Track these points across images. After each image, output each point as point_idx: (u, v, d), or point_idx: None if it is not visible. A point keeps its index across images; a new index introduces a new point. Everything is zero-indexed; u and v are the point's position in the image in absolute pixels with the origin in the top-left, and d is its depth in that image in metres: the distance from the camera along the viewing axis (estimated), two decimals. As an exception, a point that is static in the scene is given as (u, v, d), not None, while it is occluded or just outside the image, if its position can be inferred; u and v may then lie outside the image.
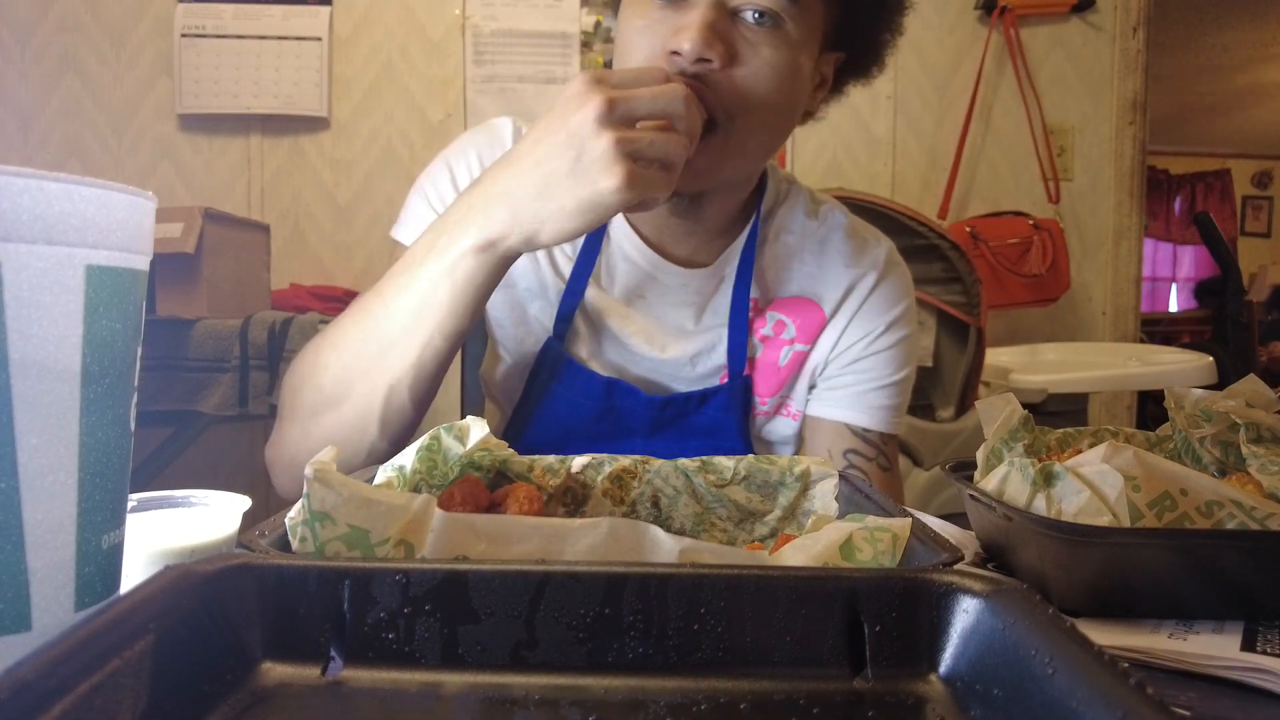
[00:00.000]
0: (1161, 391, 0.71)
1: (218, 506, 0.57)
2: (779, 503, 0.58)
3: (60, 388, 0.35)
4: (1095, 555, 0.48)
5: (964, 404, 1.92)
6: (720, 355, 0.88)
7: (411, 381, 0.71)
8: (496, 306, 0.90)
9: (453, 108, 2.26)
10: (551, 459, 0.58)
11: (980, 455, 0.61)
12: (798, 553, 0.40)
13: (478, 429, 0.55)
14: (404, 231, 0.89)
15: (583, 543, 0.38)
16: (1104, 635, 0.46)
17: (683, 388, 0.88)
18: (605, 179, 0.62)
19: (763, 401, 0.90)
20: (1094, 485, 0.49)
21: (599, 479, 0.58)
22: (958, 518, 0.68)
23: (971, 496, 0.57)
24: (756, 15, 0.72)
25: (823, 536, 0.40)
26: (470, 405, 1.09)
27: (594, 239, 0.87)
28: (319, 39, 2.20)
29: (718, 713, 0.31)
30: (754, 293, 0.88)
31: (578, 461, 0.58)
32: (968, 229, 2.21)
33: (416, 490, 0.52)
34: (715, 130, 0.73)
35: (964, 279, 1.92)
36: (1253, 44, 4.57)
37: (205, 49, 2.17)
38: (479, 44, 2.25)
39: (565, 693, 0.32)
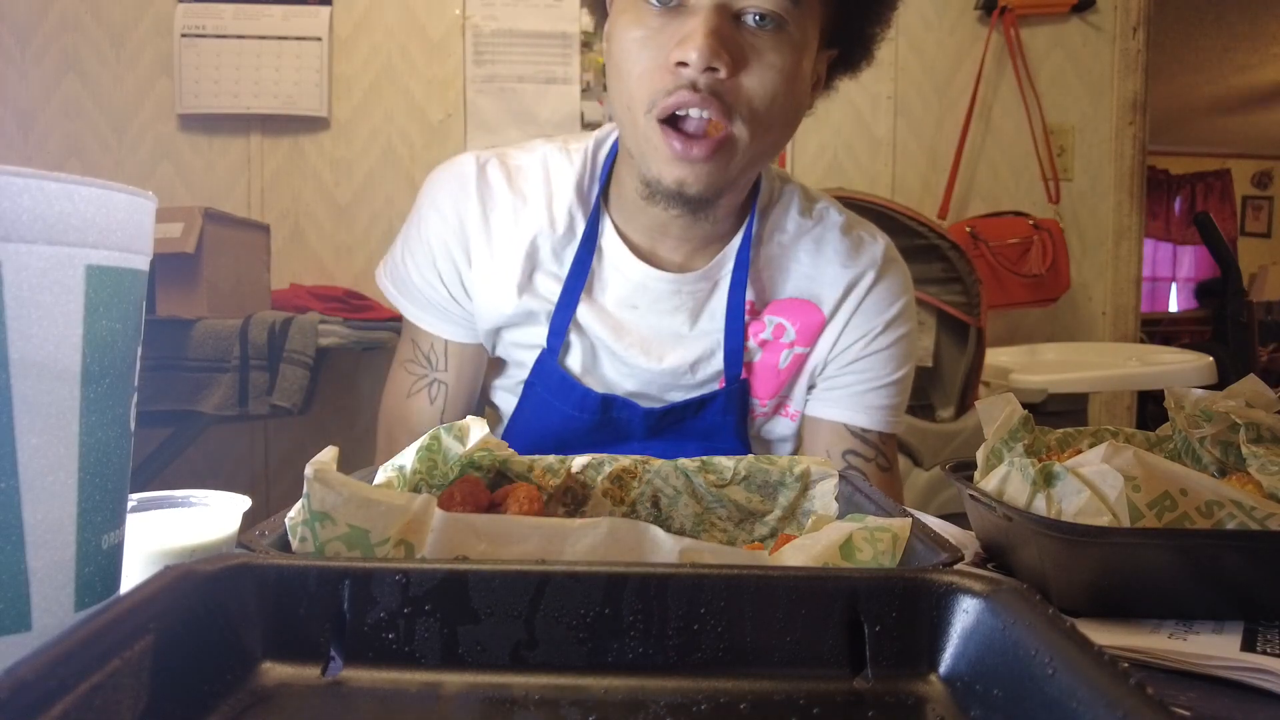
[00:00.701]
0: (1161, 391, 0.71)
1: (218, 506, 0.57)
2: (779, 503, 0.58)
3: (60, 388, 0.35)
4: (1095, 555, 0.48)
5: (964, 404, 1.92)
6: (719, 360, 0.87)
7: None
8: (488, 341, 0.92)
9: (453, 108, 2.25)
10: (551, 459, 0.58)
11: (980, 455, 0.61)
12: (798, 553, 0.40)
13: (478, 429, 0.55)
14: (403, 304, 0.92)
15: (583, 543, 0.38)
16: (1104, 635, 0.46)
17: (681, 395, 0.88)
18: None
19: (762, 404, 0.90)
20: (1094, 485, 0.49)
21: (599, 479, 0.58)
22: (958, 518, 0.68)
23: (971, 496, 0.57)
24: (758, 18, 0.72)
25: (823, 536, 0.40)
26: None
27: (584, 255, 0.86)
28: (319, 39, 2.20)
29: (718, 713, 0.31)
30: (750, 295, 0.87)
31: (578, 461, 0.58)
32: (968, 229, 2.21)
33: (416, 490, 0.52)
34: (727, 138, 0.73)
35: (964, 279, 1.92)
36: (1253, 44, 4.57)
37: (205, 49, 2.17)
38: (479, 44, 2.25)
39: (565, 693, 0.32)
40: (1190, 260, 6.91)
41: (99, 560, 0.38)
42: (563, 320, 0.86)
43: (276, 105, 2.19)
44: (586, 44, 2.26)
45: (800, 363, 0.89)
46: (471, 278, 0.88)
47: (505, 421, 0.93)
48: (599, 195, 0.87)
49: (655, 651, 0.33)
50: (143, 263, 0.40)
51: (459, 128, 2.25)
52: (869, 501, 0.51)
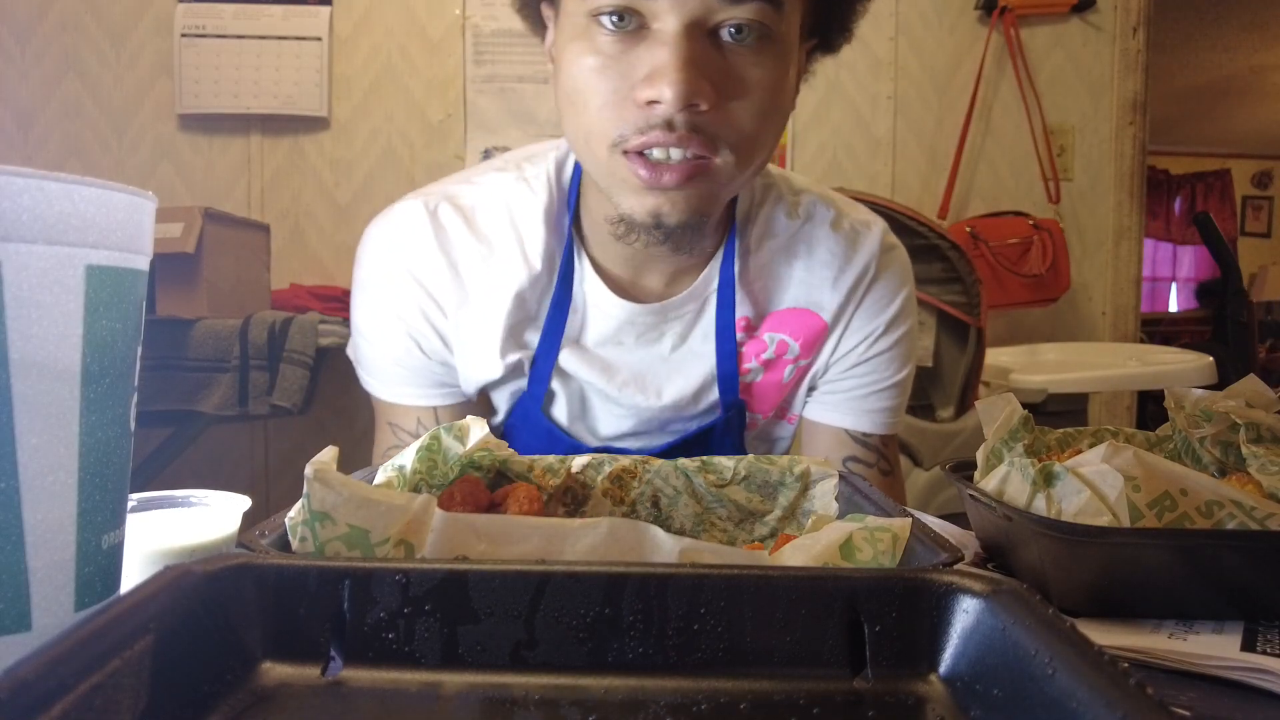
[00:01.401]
0: (1161, 391, 0.70)
1: (218, 506, 0.57)
2: (779, 503, 0.58)
3: (60, 388, 0.35)
4: (1095, 555, 0.48)
5: (964, 404, 1.92)
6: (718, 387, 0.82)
7: None
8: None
9: (453, 108, 2.26)
10: (551, 459, 0.58)
11: (980, 455, 0.61)
12: (798, 553, 0.40)
13: (478, 429, 0.55)
14: (374, 385, 0.85)
15: (583, 543, 0.38)
16: (1104, 635, 0.46)
17: (681, 426, 0.84)
18: None
19: (764, 417, 0.87)
20: (1094, 485, 0.49)
21: (599, 479, 0.58)
22: (958, 518, 0.68)
23: (971, 496, 0.57)
24: (736, 31, 0.62)
25: (823, 536, 0.40)
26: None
27: (561, 297, 0.78)
28: (319, 39, 2.20)
29: (718, 713, 0.31)
30: (746, 310, 0.81)
31: (578, 461, 0.58)
32: (968, 229, 2.21)
33: (416, 490, 0.52)
34: (712, 165, 0.65)
35: (964, 279, 1.92)
36: (1253, 44, 4.57)
37: (205, 49, 2.17)
38: (479, 44, 2.25)
39: (565, 693, 0.32)
40: (1190, 260, 6.92)
41: (99, 560, 0.38)
42: (544, 368, 0.79)
43: (276, 105, 2.19)
44: (586, 44, 2.26)
45: (803, 374, 0.86)
46: (448, 327, 0.80)
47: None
48: (570, 224, 0.79)
49: (655, 651, 0.33)
50: (143, 263, 0.40)
51: (459, 128, 2.25)
52: (869, 502, 0.51)
